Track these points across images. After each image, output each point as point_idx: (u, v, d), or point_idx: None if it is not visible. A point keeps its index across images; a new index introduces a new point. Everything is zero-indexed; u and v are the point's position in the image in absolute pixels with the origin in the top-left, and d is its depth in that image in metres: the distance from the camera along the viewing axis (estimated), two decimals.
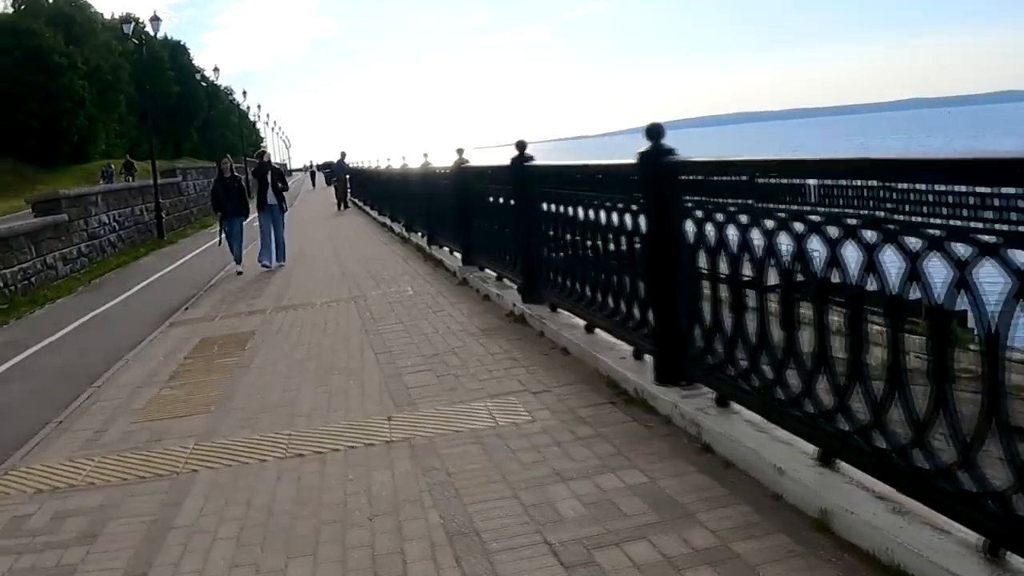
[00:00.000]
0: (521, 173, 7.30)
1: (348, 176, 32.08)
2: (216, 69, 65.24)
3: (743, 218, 3.86)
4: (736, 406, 4.18)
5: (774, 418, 3.81)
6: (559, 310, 6.82)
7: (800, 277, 3.54)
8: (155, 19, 28.58)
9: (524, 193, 7.28)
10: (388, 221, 19.81)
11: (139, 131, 65.85)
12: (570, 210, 6.17)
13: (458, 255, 10.98)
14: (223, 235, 13.78)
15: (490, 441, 4.42)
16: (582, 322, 6.20)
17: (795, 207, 3.46)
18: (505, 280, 8.61)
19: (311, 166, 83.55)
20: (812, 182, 3.41)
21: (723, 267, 4.14)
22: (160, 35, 72.48)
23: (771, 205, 3.63)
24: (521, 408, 4.89)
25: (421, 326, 7.60)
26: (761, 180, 3.71)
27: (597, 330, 5.93)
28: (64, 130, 52.53)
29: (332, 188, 34.22)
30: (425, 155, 13.48)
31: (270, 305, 10.02)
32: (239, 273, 13.45)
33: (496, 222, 8.53)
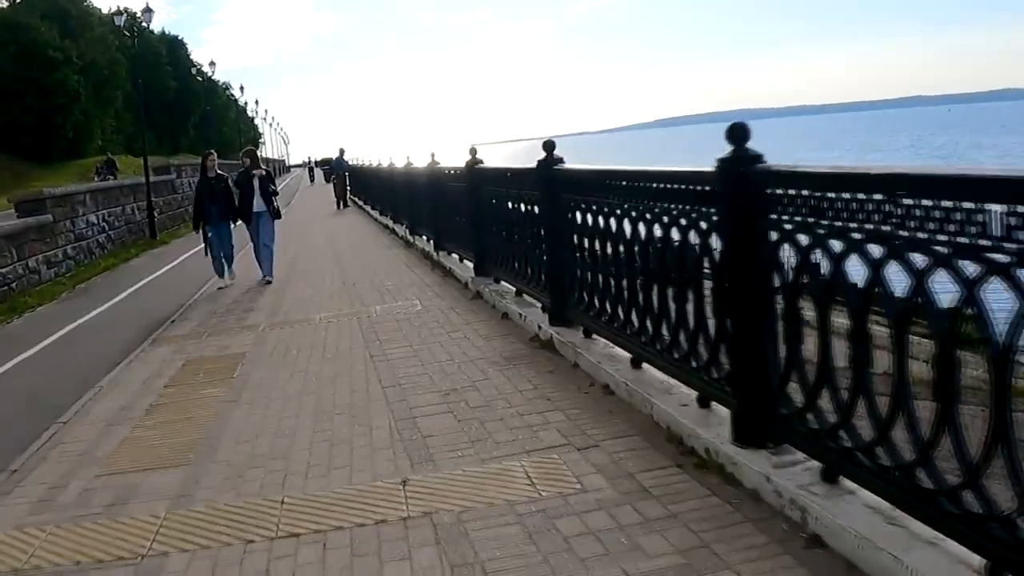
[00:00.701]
0: (549, 177, 6.39)
1: (347, 174, 31.13)
2: (212, 63, 63.90)
3: (875, 249, 2.95)
4: (848, 483, 3.29)
5: (911, 508, 2.92)
6: (594, 336, 5.93)
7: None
8: (147, 10, 27.64)
9: (553, 200, 6.37)
10: (390, 223, 18.87)
11: (136, 127, 64.87)
12: (613, 223, 5.25)
13: (469, 264, 10.06)
14: (207, 244, 11.94)
15: (534, 521, 3.51)
16: (626, 354, 5.30)
17: (967, 239, 2.55)
18: (526, 296, 7.70)
19: (310, 162, 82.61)
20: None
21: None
22: (157, 30, 71.60)
23: (921, 234, 2.73)
24: (567, 471, 3.98)
25: (434, 351, 6.68)
26: (905, 200, 2.80)
27: (645, 365, 5.04)
28: (59, 126, 51.58)
29: (331, 185, 33.34)
30: (432, 155, 12.51)
31: (264, 320, 9.11)
32: (221, 288, 11.82)
33: (516, 231, 7.62)
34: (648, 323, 4.86)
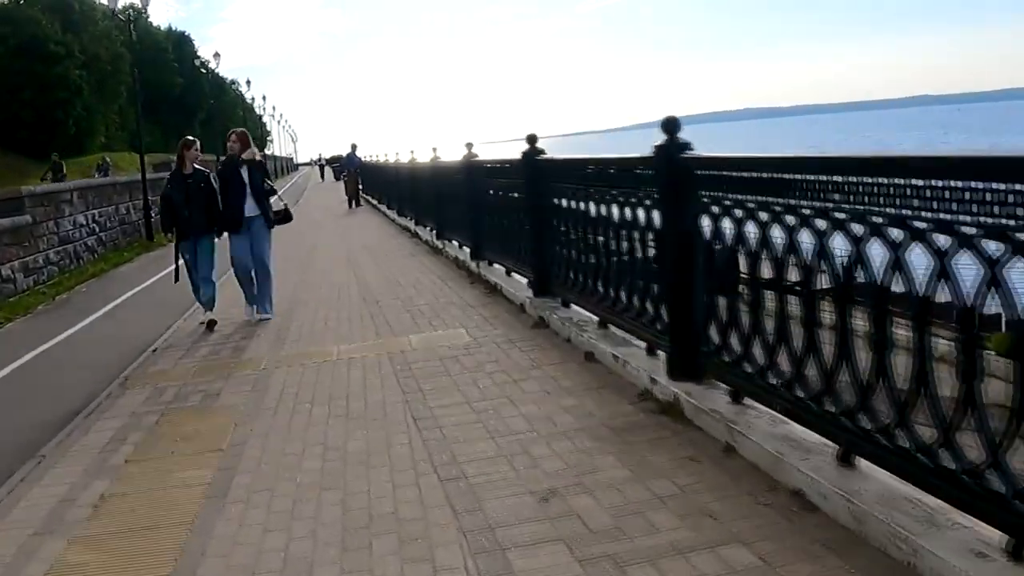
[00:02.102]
0: (677, 173, 4.47)
1: (359, 171, 28.98)
2: (217, 55, 61.88)
3: None
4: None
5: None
6: (746, 400, 4.04)
7: None
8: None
9: (677, 207, 4.45)
10: (411, 224, 16.98)
11: (142, 124, 63.29)
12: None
13: (521, 279, 8.14)
14: (180, 264, 8.64)
15: None
16: (817, 437, 3.43)
17: None
18: (611, 327, 5.79)
19: (319, 159, 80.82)
20: None
21: None
22: (164, 26, 69.90)
23: None
24: None
25: (503, 413, 4.74)
26: None
27: (860, 459, 3.18)
28: (60, 121, 49.89)
29: (341, 183, 31.50)
30: (469, 146, 10.51)
31: (266, 352, 7.18)
32: (204, 324, 8.54)
33: (607, 240, 5.69)
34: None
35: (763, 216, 3.71)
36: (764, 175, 3.72)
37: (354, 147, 29.67)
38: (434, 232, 13.85)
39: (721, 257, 4.11)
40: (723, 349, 4.21)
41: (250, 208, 8.52)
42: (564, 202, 6.51)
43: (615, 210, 5.44)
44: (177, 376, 6.77)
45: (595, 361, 5.55)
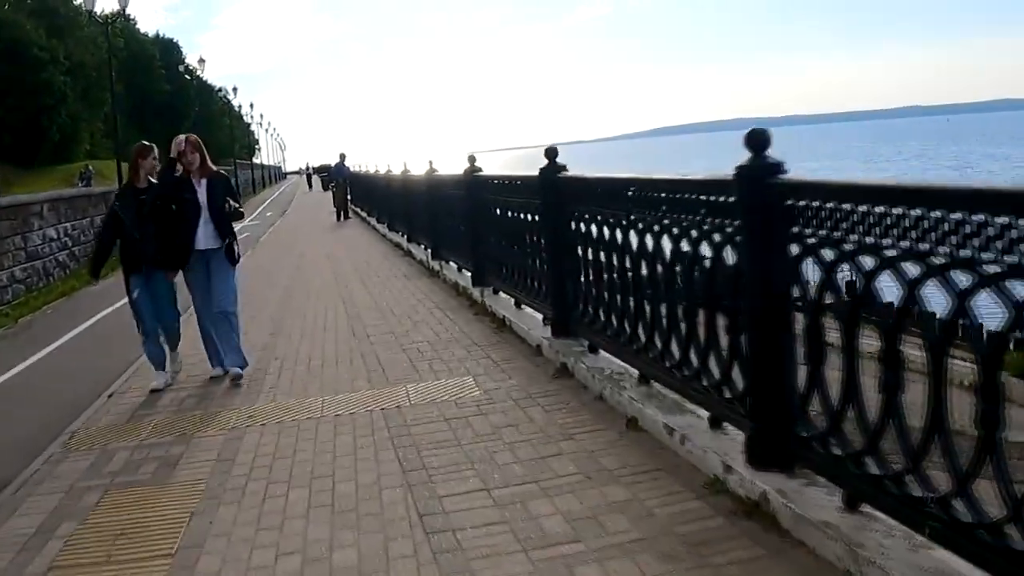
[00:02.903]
0: (759, 196, 3.43)
1: (348, 182, 27.62)
2: (202, 60, 60.26)
3: None
4: None
5: None
6: (864, 507, 3.02)
7: None
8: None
9: (767, 245, 3.41)
10: (403, 241, 15.87)
11: (128, 131, 62.22)
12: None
13: (534, 314, 7.08)
14: (134, 309, 6.73)
15: None
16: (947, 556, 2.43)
17: None
18: (656, 385, 4.75)
19: (307, 169, 79.79)
20: None
21: None
22: (152, 33, 68.64)
23: None
24: None
25: (536, 511, 3.64)
26: None
27: None
28: (45, 128, 48.80)
29: (330, 193, 30.10)
30: (472, 159, 9.42)
31: (238, 405, 6.04)
32: (157, 391, 6.63)
33: (654, 279, 4.65)
34: None
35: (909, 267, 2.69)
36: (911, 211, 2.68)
37: (343, 156, 28.45)
38: (429, 252, 12.74)
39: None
40: (831, 437, 3.17)
41: (206, 237, 6.47)
42: (595, 229, 5.46)
43: (667, 243, 4.41)
44: (131, 433, 5.66)
45: (640, 430, 4.50)
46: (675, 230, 4.26)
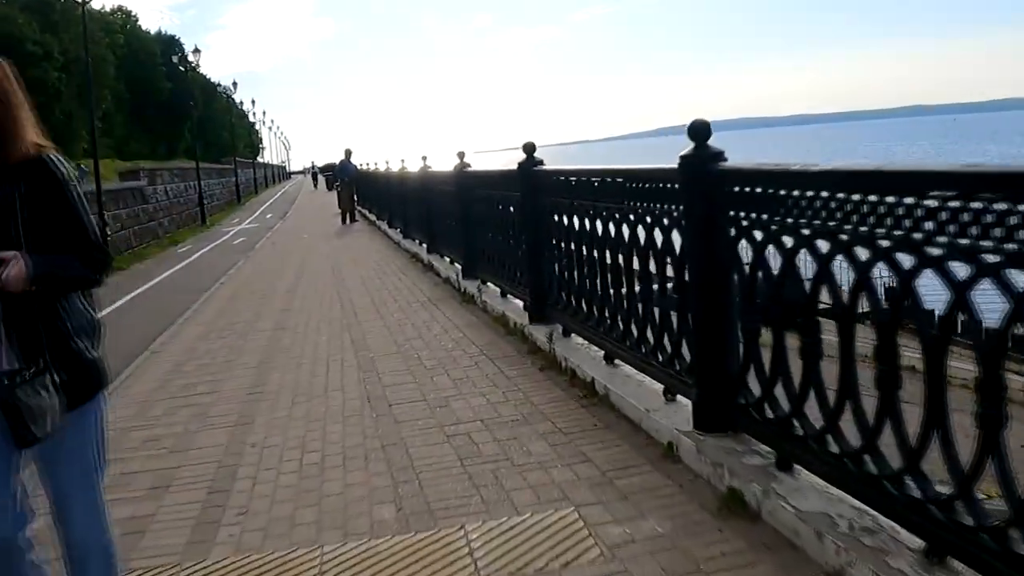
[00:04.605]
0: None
1: (354, 181, 24.97)
2: (197, 50, 57.99)
3: None
4: None
5: None
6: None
7: None
8: None
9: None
10: (423, 252, 13.16)
11: (127, 129, 62.34)
12: None
13: (626, 368, 4.96)
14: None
15: None
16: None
17: None
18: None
19: (312, 168, 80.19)
20: None
21: None
22: (153, 30, 68.46)
23: None
24: None
25: None
26: None
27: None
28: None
29: (335, 193, 27.13)
30: (529, 148, 6.89)
31: (178, 558, 3.39)
32: None
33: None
34: None
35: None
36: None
37: (348, 153, 25.63)
38: (460, 268, 9.94)
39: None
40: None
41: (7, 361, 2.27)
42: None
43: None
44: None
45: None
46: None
